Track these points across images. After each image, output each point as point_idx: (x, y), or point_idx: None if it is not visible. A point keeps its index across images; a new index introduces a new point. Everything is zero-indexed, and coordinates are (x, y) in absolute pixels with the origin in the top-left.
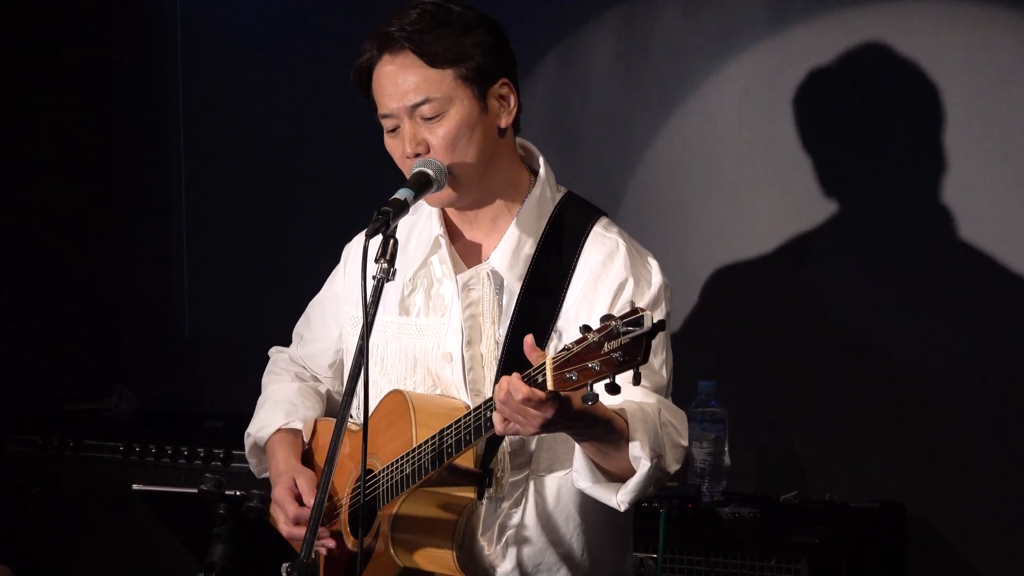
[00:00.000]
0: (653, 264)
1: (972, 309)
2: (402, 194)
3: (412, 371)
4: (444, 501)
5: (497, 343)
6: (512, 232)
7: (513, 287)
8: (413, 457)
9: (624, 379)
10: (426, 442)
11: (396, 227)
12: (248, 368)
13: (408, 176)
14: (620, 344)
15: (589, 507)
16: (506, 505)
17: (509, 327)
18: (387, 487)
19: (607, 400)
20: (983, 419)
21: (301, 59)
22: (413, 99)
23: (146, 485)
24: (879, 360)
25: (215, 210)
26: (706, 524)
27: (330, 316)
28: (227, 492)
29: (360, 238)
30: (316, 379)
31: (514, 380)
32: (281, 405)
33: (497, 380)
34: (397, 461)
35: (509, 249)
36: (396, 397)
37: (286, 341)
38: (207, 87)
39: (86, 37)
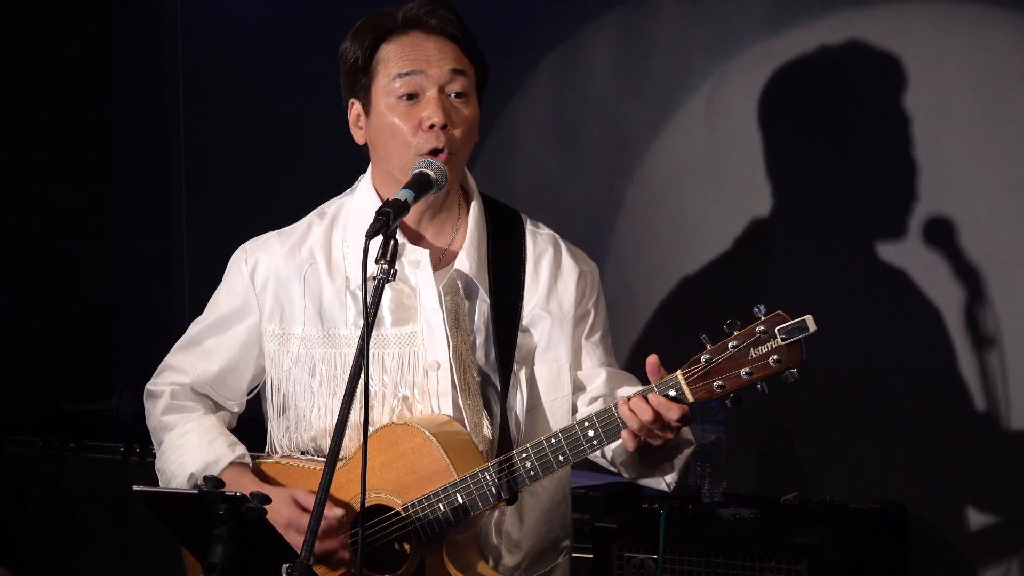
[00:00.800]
0: (585, 255)
1: (972, 310)
2: (402, 195)
3: (379, 384)
4: (479, 517)
5: (471, 348)
6: (471, 237)
7: (483, 289)
8: (467, 486)
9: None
10: (486, 470)
11: (396, 228)
12: None
13: (407, 155)
14: (773, 348)
15: (567, 491)
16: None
17: (490, 329)
18: (430, 520)
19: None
20: (983, 420)
21: (301, 59)
22: (457, 65)
23: (146, 486)
24: (879, 361)
25: (215, 210)
26: (706, 525)
27: (244, 334)
28: (227, 493)
29: (261, 250)
30: (220, 406)
31: (661, 400)
32: (218, 439)
33: (504, 383)
34: (440, 493)
35: (474, 253)
36: (397, 429)
37: None
38: (207, 87)
39: (86, 37)
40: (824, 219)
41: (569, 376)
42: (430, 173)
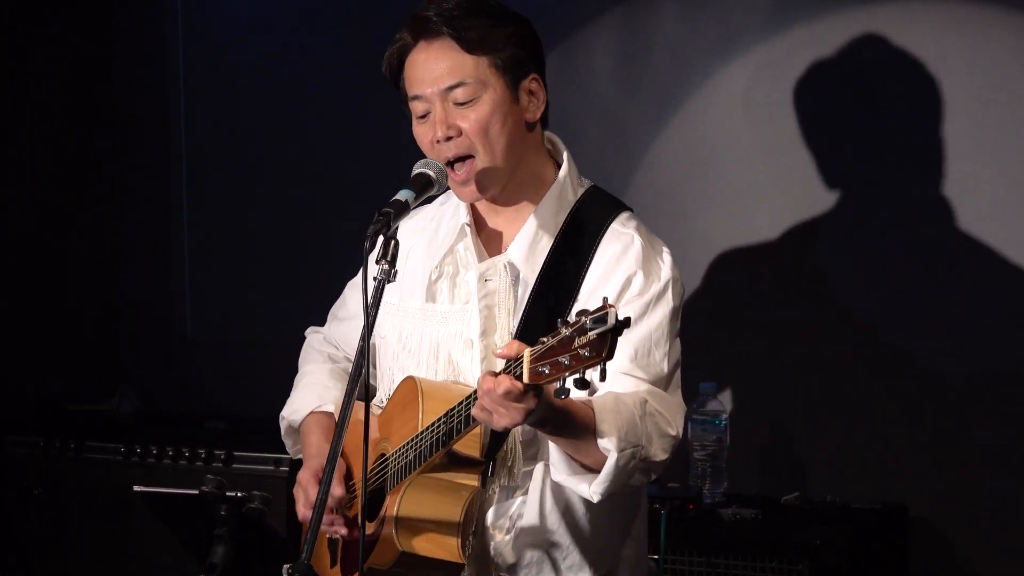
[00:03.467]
0: (666, 259)
1: (973, 310)
2: (403, 195)
3: (435, 358)
4: (448, 488)
5: (511, 334)
6: (530, 226)
7: (528, 280)
8: (416, 443)
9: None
10: (427, 428)
11: (397, 228)
12: (249, 369)
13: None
14: (588, 340)
15: (581, 515)
16: (519, 495)
17: (522, 319)
18: (394, 472)
19: (579, 393)
20: (985, 420)
21: (303, 58)
22: (448, 82)
23: (147, 486)
24: (880, 361)
25: (216, 211)
26: (707, 525)
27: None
28: (228, 493)
29: (399, 225)
30: (348, 359)
31: (501, 375)
32: (314, 388)
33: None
34: (403, 447)
35: (526, 242)
36: (409, 383)
37: (288, 341)
38: (209, 86)
39: (86, 34)
40: (823, 219)
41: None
42: (430, 173)
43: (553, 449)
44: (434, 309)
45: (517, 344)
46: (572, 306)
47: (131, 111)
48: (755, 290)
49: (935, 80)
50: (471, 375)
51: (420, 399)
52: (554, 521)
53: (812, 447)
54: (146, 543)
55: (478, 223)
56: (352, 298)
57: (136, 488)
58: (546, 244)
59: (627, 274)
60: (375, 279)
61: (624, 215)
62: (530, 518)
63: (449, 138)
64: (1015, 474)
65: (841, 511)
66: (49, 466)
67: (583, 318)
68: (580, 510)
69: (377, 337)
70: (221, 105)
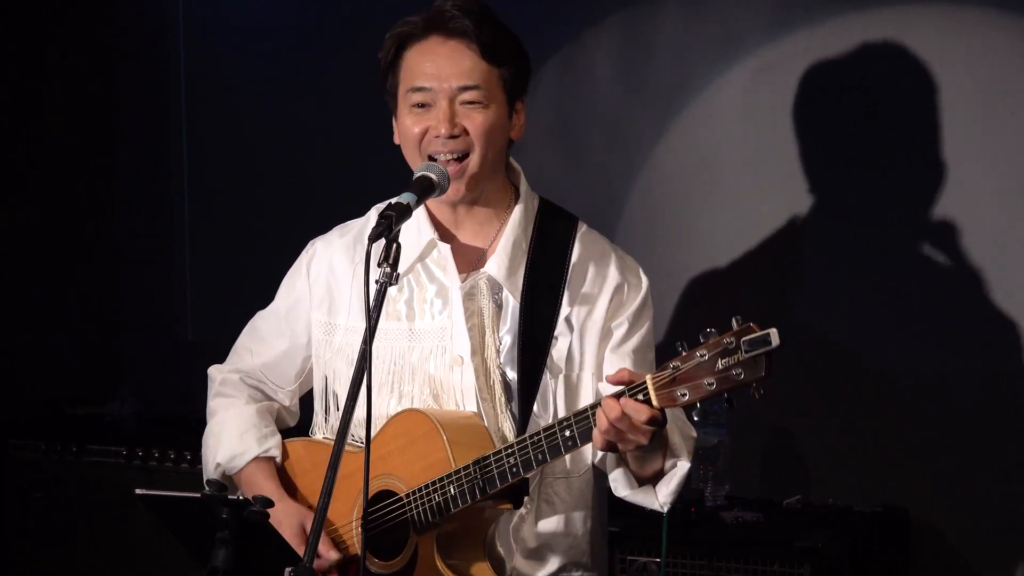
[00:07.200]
0: (638, 267)
1: (974, 314)
2: (405, 198)
3: (409, 378)
4: (482, 515)
5: (498, 351)
6: (506, 241)
7: (512, 295)
8: (459, 477)
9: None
10: (478, 462)
11: (399, 231)
12: None
13: (418, 158)
14: (739, 360)
15: (597, 502)
16: (521, 510)
17: (517, 334)
18: (424, 508)
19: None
20: (985, 423)
21: (305, 61)
22: (465, 81)
23: (149, 490)
24: (881, 364)
25: (218, 214)
26: (709, 528)
27: (296, 323)
28: (230, 496)
29: (321, 241)
30: (269, 396)
31: (628, 401)
32: (250, 432)
33: (530, 390)
34: (437, 482)
35: (505, 257)
36: (414, 416)
37: None
38: (210, 90)
39: (89, 39)
40: (824, 223)
41: (591, 388)
42: (432, 176)
43: (616, 467)
44: (399, 327)
45: (628, 372)
46: (557, 318)
47: (133, 115)
48: (756, 292)
49: (936, 84)
50: (459, 392)
51: (442, 432)
52: (567, 535)
53: (813, 450)
54: (147, 547)
55: (440, 238)
56: (270, 328)
57: (137, 491)
58: (522, 259)
59: (614, 284)
60: (377, 282)
61: (582, 224)
62: (541, 535)
63: (453, 136)
64: (1015, 477)
65: (843, 514)
66: (50, 469)
67: (725, 339)
68: (592, 519)
69: (314, 360)
70: (223, 110)
